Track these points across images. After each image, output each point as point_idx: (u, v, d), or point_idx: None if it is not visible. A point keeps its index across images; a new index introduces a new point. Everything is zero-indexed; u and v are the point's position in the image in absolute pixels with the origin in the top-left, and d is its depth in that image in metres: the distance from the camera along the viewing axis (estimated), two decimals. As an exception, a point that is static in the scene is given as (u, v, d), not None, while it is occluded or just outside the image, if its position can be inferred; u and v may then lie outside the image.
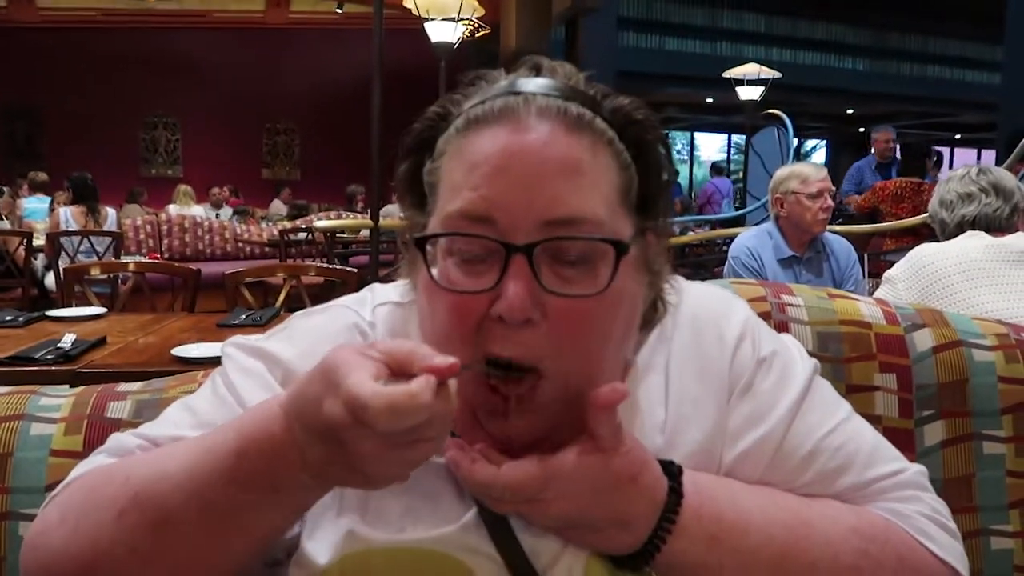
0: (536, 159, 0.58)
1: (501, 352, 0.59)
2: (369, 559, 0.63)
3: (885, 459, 0.71)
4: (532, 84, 0.62)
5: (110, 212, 5.85)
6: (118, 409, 0.90)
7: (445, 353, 0.60)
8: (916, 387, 0.99)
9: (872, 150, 6.07)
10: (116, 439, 0.70)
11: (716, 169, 12.42)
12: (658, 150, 0.65)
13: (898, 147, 6.09)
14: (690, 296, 0.74)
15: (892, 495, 0.70)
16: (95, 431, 0.88)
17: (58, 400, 0.92)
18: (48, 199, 7.66)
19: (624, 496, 0.60)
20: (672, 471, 0.63)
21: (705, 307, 0.74)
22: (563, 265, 0.59)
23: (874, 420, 0.96)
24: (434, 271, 0.61)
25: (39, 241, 5.67)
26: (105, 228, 5.65)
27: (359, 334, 0.70)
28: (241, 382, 0.68)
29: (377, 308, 0.73)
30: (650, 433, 0.67)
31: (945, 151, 14.55)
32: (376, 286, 0.77)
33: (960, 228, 2.13)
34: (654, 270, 0.66)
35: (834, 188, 3.03)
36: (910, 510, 0.69)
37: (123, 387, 0.95)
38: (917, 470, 0.72)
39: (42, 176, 8.12)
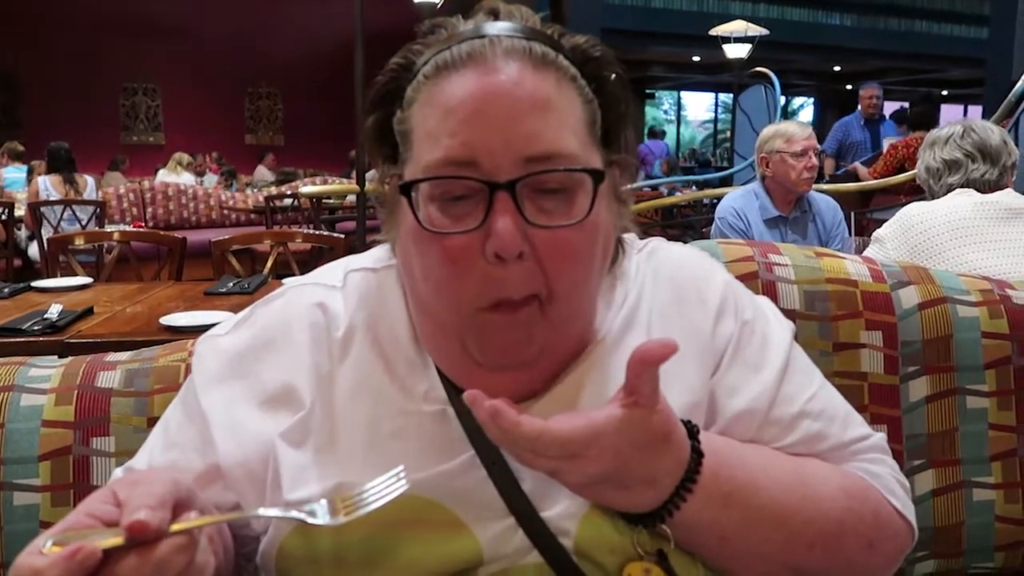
0: (508, 98, 0.60)
1: (513, 294, 0.60)
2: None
3: (856, 423, 0.75)
4: (495, 27, 0.64)
5: (88, 180, 5.76)
6: (108, 379, 0.90)
7: (446, 305, 0.62)
8: (901, 343, 1.01)
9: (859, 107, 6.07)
10: (114, 474, 0.72)
11: (652, 132, 13.05)
12: (617, 84, 0.67)
13: (884, 103, 6.08)
14: (669, 257, 0.76)
15: (865, 456, 0.73)
16: (86, 401, 0.88)
17: (48, 371, 0.92)
18: (26, 168, 7.54)
19: (657, 454, 0.60)
20: (692, 430, 0.64)
21: (685, 268, 0.75)
22: (543, 198, 0.61)
23: (860, 377, 0.98)
24: (419, 217, 0.62)
25: (20, 211, 5.60)
26: (84, 196, 5.58)
27: (320, 312, 0.71)
28: (207, 399, 0.70)
29: (349, 273, 0.74)
30: None
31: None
32: (352, 256, 0.78)
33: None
34: (622, 199, 0.69)
35: (819, 147, 3.01)
36: (881, 471, 0.73)
37: (112, 357, 0.95)
38: (881, 435, 0.76)
39: (20, 148, 8.00)
